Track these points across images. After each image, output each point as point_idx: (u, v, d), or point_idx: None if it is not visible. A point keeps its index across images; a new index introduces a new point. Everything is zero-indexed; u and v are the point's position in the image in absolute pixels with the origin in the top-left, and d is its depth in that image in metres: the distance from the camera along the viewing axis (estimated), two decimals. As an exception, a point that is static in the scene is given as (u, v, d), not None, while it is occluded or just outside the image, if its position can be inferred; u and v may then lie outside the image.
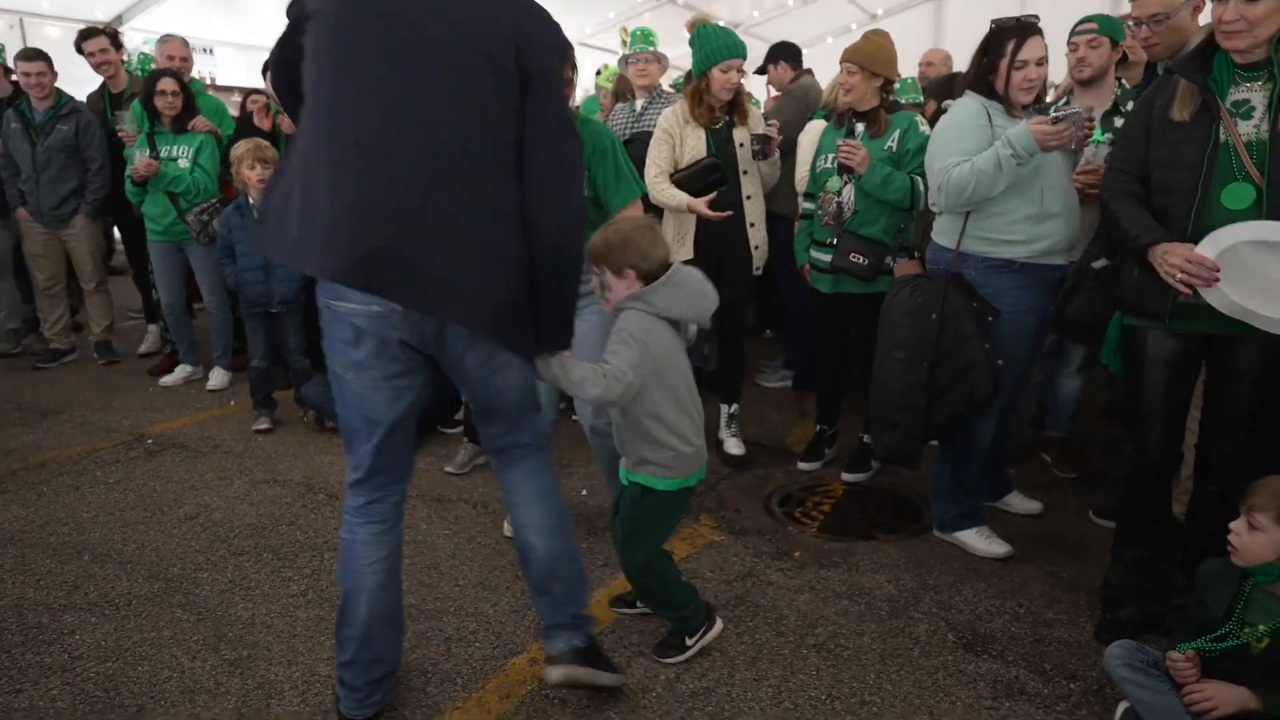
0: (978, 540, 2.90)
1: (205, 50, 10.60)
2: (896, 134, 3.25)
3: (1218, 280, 2.00)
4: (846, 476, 3.52)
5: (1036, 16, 2.67)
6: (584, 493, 3.38)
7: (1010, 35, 2.64)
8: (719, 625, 2.35)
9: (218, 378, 4.64)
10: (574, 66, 4.45)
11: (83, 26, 5.10)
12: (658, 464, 2.15)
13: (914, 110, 3.59)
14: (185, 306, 4.76)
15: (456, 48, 1.69)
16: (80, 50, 4.84)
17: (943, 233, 2.85)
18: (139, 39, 7.98)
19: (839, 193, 3.33)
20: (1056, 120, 2.46)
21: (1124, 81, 3.26)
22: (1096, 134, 3.13)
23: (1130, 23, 2.97)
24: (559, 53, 1.80)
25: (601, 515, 3.16)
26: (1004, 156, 2.54)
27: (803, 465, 3.65)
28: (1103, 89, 3.16)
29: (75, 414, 4.18)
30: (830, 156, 3.33)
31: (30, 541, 2.91)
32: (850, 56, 3.24)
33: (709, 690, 2.17)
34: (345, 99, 1.69)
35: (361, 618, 1.91)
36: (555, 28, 1.80)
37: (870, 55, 3.22)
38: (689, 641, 2.28)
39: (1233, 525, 1.86)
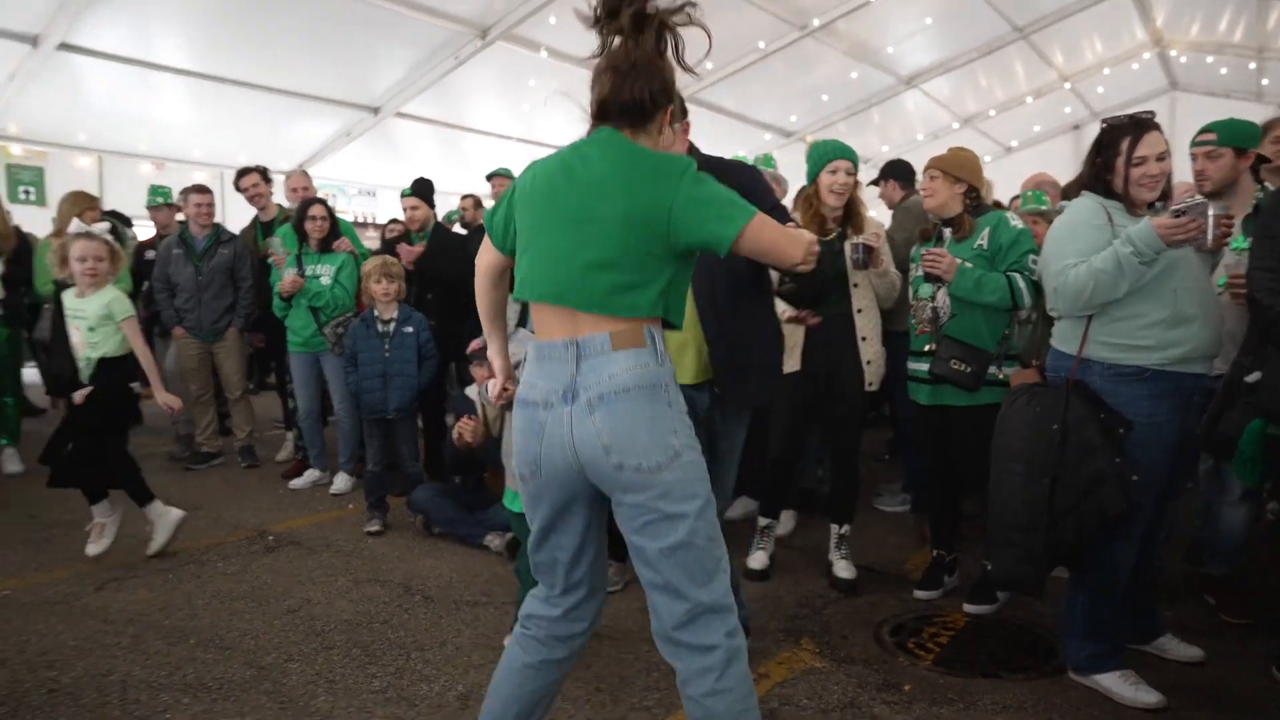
0: (1121, 685, 2.53)
1: (369, 193, 11.83)
2: (986, 231, 3.19)
3: None
4: (968, 608, 3.21)
5: (1152, 113, 2.56)
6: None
7: (1125, 133, 2.53)
8: None
9: (341, 482, 4.86)
10: None
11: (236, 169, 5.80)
12: None
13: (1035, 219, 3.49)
14: (320, 414, 5.07)
15: None
16: (237, 187, 5.52)
17: (1063, 338, 2.66)
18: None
19: (932, 297, 3.23)
20: (1179, 213, 2.30)
21: (1267, 185, 3.05)
22: (1239, 240, 2.92)
23: None
24: None
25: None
26: (1124, 255, 2.38)
27: (919, 593, 3.37)
28: (1235, 197, 2.98)
29: (211, 510, 4.45)
30: (918, 266, 3.27)
31: (148, 623, 3.04)
32: (932, 163, 3.29)
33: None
34: None
35: None
36: None
37: (950, 161, 3.25)
38: None
39: None
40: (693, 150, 2.57)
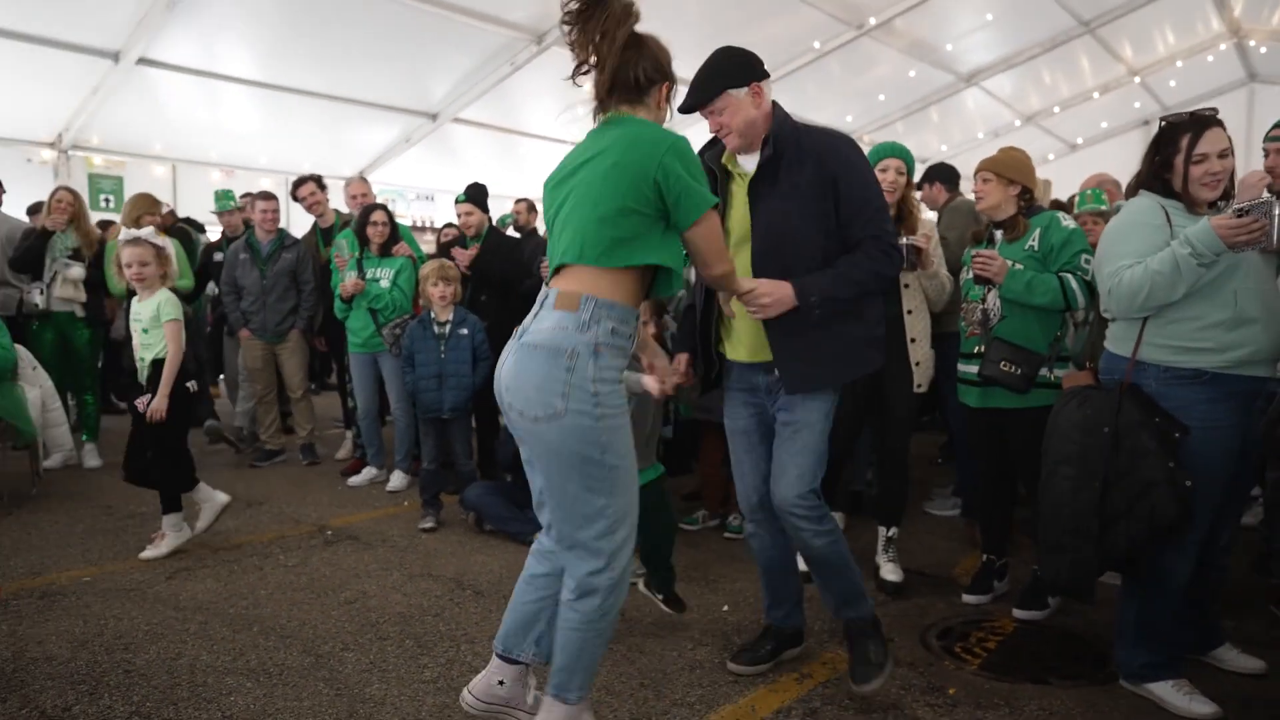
0: (1174, 695, 2.46)
1: (428, 198, 12.09)
2: (1036, 233, 3.14)
3: None
4: (1018, 613, 3.16)
5: (1214, 109, 2.49)
6: (725, 608, 3.25)
7: (1185, 129, 2.47)
8: None
9: (397, 480, 5.00)
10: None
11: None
12: None
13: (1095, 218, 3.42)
14: (378, 413, 5.23)
15: None
16: (294, 196, 5.71)
17: (1117, 340, 2.60)
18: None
19: (982, 299, 3.19)
20: (1242, 213, 2.23)
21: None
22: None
23: None
24: None
25: (740, 632, 3.01)
26: (1182, 256, 2.32)
27: (968, 598, 3.33)
28: None
29: (274, 505, 4.63)
30: (969, 269, 3.23)
31: (214, 610, 3.19)
32: (983, 166, 3.24)
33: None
34: None
35: None
36: None
37: (1002, 163, 3.20)
38: None
39: None
40: (777, 108, 2.46)
